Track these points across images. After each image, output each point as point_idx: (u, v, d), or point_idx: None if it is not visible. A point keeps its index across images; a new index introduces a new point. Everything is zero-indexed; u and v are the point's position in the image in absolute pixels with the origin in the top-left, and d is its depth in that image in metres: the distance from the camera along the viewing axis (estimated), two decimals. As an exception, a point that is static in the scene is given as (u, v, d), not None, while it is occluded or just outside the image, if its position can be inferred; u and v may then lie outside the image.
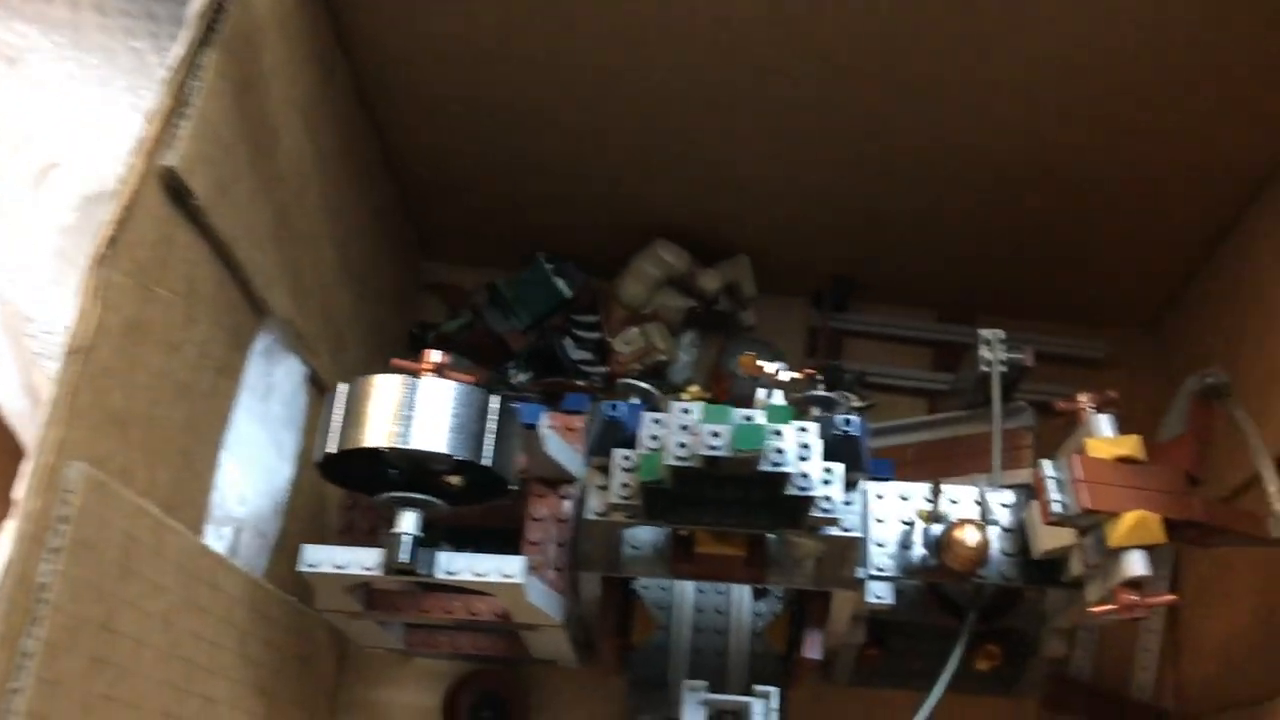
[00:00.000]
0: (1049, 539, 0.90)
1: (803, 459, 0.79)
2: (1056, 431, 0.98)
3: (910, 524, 0.96)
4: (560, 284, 1.33)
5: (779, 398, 0.88)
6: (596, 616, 1.04)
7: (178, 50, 0.79)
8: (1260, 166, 1.11)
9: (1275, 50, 0.99)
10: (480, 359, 1.33)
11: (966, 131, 1.11)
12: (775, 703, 1.00)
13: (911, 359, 1.38)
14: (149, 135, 0.76)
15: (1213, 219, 1.20)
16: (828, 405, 0.92)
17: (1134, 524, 0.83)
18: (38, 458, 0.69)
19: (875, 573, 0.96)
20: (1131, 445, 0.87)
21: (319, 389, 1.10)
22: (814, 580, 0.95)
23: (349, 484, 0.88)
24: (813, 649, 1.02)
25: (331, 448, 0.80)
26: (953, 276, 1.35)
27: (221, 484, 0.95)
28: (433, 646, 1.09)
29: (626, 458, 0.83)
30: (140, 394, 0.80)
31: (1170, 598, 0.84)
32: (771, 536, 0.91)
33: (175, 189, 0.80)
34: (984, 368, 1.08)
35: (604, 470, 0.86)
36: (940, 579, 0.97)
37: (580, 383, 1.29)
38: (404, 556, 0.81)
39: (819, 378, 1.28)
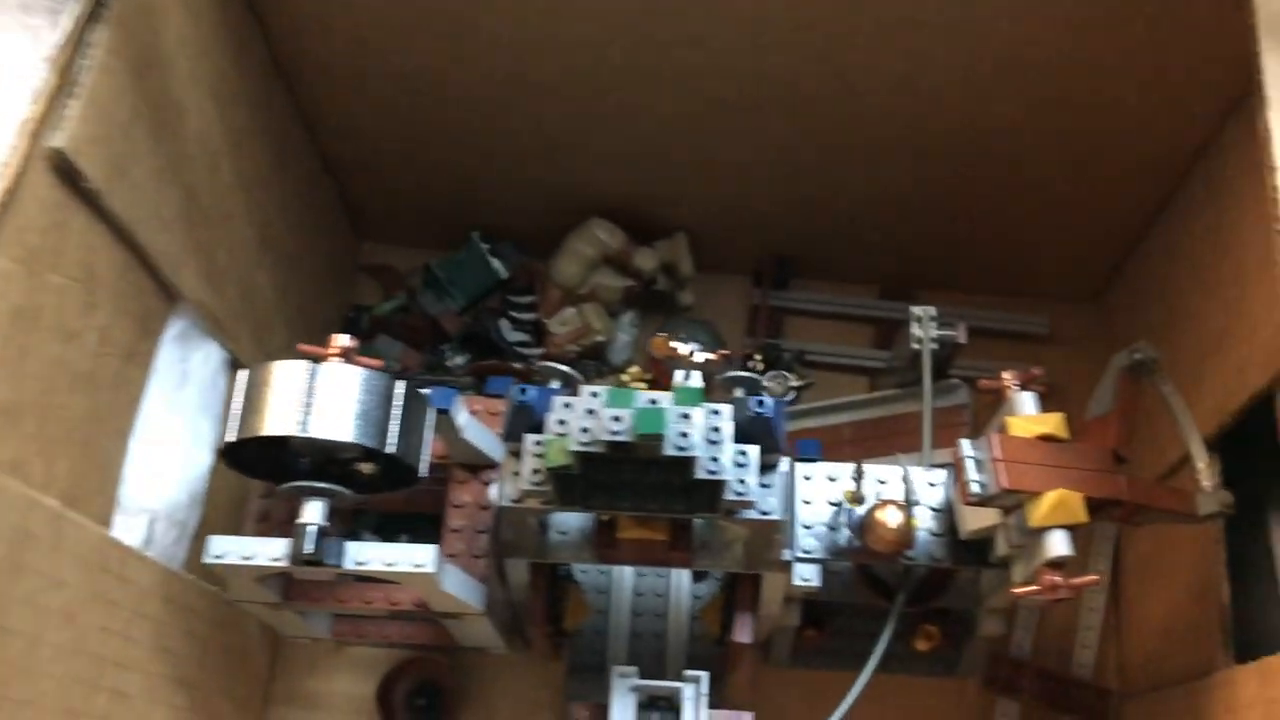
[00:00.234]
0: (975, 519, 0.89)
1: (713, 442, 0.77)
2: (994, 409, 0.97)
3: (837, 505, 0.94)
4: (496, 264, 1.31)
5: (696, 379, 0.86)
6: (526, 602, 1.02)
7: (64, 27, 0.76)
8: (1194, 140, 1.10)
9: (1206, 24, 0.97)
10: (416, 342, 1.31)
11: (898, 106, 1.10)
12: (705, 687, 1.00)
13: (853, 336, 1.37)
14: (32, 116, 0.73)
15: (1150, 193, 1.19)
16: (751, 386, 0.91)
17: (1054, 503, 0.82)
18: (-86, 451, 0.67)
19: (802, 555, 0.95)
20: (1054, 423, 0.86)
21: (241, 374, 1.08)
22: (742, 563, 0.94)
23: (256, 472, 0.86)
24: (743, 632, 1.01)
25: (230, 436, 0.78)
26: (893, 253, 1.33)
27: (132, 474, 0.92)
28: (361, 635, 1.07)
29: (537, 443, 0.81)
30: (31, 384, 0.77)
31: (1093, 578, 0.83)
32: (698, 520, 0.90)
33: (65, 171, 0.78)
34: (915, 345, 1.06)
35: (518, 455, 0.84)
36: (865, 560, 0.96)
37: (517, 365, 1.28)
38: (308, 548, 0.80)
39: (748, 362, 1.28)
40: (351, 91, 1.14)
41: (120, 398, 0.90)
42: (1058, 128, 1.11)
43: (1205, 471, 0.91)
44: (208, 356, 1.02)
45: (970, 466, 0.84)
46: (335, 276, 1.34)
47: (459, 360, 1.30)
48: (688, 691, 1.00)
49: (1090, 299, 1.38)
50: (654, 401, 0.75)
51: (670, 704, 1.03)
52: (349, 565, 0.82)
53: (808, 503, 0.96)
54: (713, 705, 1.00)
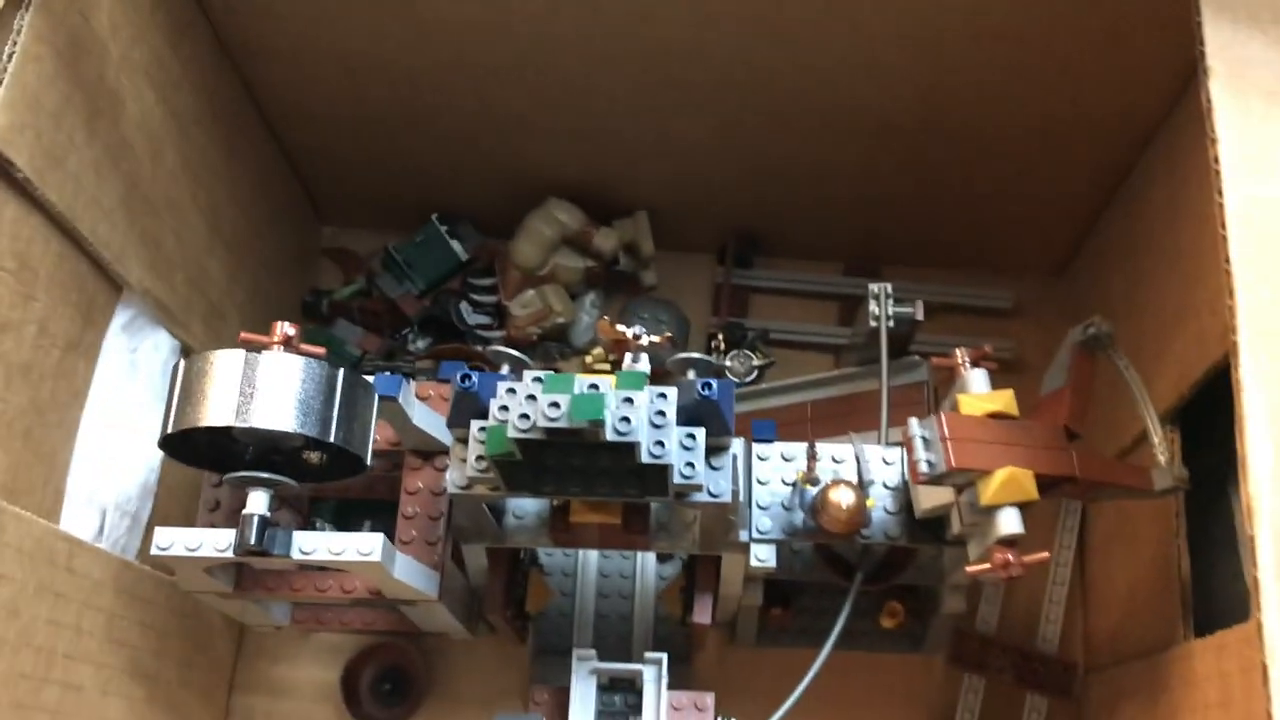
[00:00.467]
0: (929, 498, 0.89)
1: (657, 426, 0.76)
2: (947, 385, 0.96)
3: (793, 485, 0.94)
4: (455, 246, 1.30)
5: (644, 362, 0.85)
6: (484, 588, 1.02)
7: (-14, 15, 0.75)
8: (1151, 111, 1.09)
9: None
10: (376, 326, 1.30)
11: (851, 81, 1.08)
12: (665, 669, 0.99)
13: (818, 314, 1.36)
14: (-45, 106, 0.72)
15: (1110, 165, 1.18)
16: (702, 367, 0.90)
17: (1004, 481, 0.81)
18: None
19: (758, 536, 0.94)
20: (1003, 401, 0.85)
21: (195, 362, 1.07)
22: (700, 545, 0.93)
23: (201, 463, 0.85)
24: (702, 614, 1.01)
25: (169, 428, 0.77)
26: (857, 229, 1.32)
27: (80, 465, 0.91)
28: (321, 623, 1.06)
29: (482, 429, 0.80)
30: (-35, 377, 0.77)
31: (1043, 555, 0.82)
32: (655, 503, 0.89)
33: (-7, 162, 0.76)
34: (873, 322, 1.05)
35: (465, 442, 0.83)
36: (820, 540, 0.95)
37: (478, 348, 1.27)
38: (252, 539, 0.78)
39: (711, 342, 1.27)
40: (303, 76, 1.13)
41: (64, 388, 0.89)
42: (1015, 100, 1.10)
43: (1161, 446, 0.91)
44: (157, 345, 1.01)
45: (919, 445, 0.83)
46: (295, 261, 1.33)
47: (420, 344, 1.29)
48: (648, 673, 1.00)
49: (1055, 273, 1.37)
50: (594, 387, 0.74)
51: (632, 686, 1.03)
52: (295, 555, 0.81)
53: (763, 483, 0.95)
54: (675, 686, 1.00)
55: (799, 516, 0.93)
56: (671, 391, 0.79)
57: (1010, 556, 0.82)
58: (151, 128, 0.96)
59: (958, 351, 0.90)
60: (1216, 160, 0.71)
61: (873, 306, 1.06)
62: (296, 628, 1.06)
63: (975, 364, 0.89)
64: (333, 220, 1.40)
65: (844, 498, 0.88)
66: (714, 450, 0.83)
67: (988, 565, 0.83)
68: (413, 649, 1.18)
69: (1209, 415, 1.01)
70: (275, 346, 0.80)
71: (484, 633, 1.11)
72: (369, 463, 0.83)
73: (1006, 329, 1.34)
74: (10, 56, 0.76)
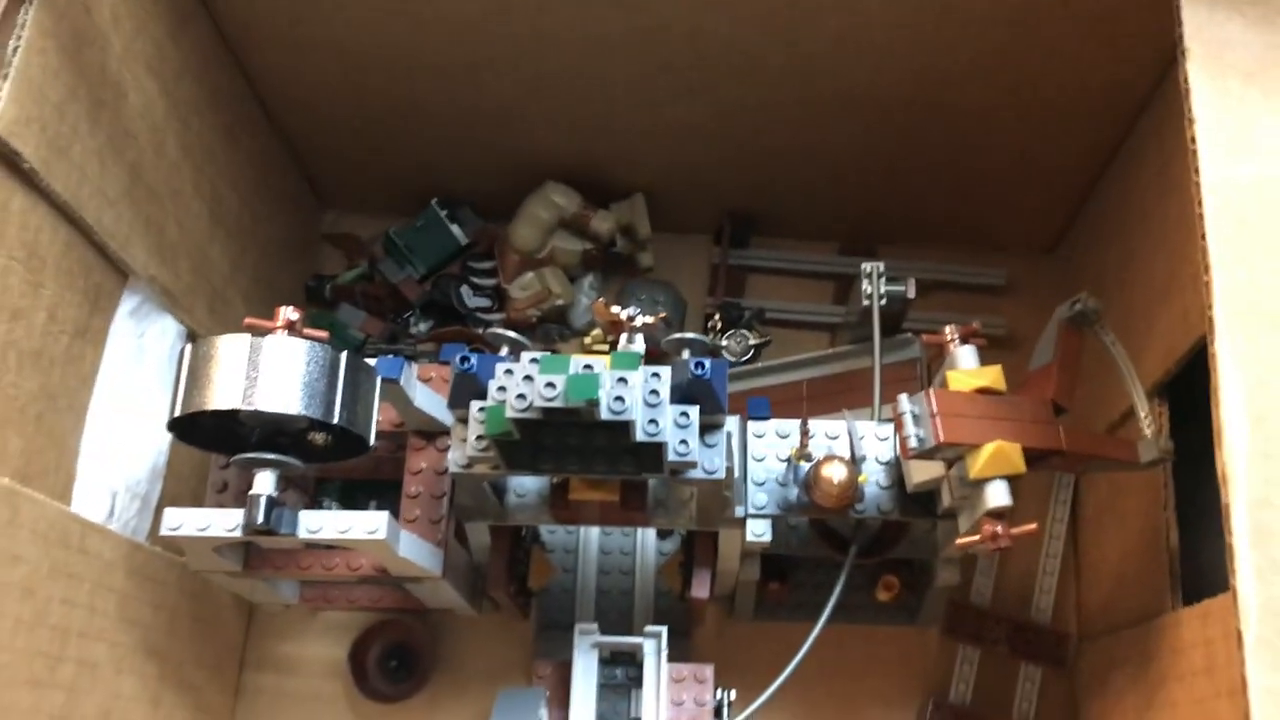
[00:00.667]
0: (920, 472, 0.91)
1: (651, 405, 0.78)
2: (937, 361, 0.98)
3: (787, 461, 0.96)
4: (455, 230, 1.31)
5: (639, 342, 0.87)
6: (488, 565, 1.04)
7: (-9, 9, 0.76)
8: (1141, 87, 1.10)
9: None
10: (378, 310, 1.32)
11: (844, 63, 1.09)
12: (665, 642, 1.02)
13: (814, 293, 1.37)
14: (-38, 99, 0.74)
15: (1102, 142, 1.19)
16: (696, 347, 0.92)
17: (992, 455, 0.83)
18: None
19: (754, 511, 0.96)
20: (991, 376, 0.87)
21: (200, 347, 1.09)
22: (697, 521, 0.95)
23: (209, 445, 0.87)
24: (700, 588, 1.03)
25: (176, 411, 0.79)
26: (851, 208, 1.34)
27: (90, 449, 0.93)
28: (329, 601, 1.09)
29: (480, 409, 0.82)
30: (-22, 364, 0.79)
31: (1031, 527, 0.84)
32: (653, 480, 0.91)
33: (1, 153, 0.78)
34: (865, 301, 1.07)
35: (465, 422, 0.85)
36: (814, 515, 0.97)
37: (479, 331, 1.28)
38: (260, 518, 0.81)
39: (708, 322, 1.29)
40: (302, 65, 1.14)
41: (73, 374, 0.91)
42: (1006, 79, 1.11)
43: (1147, 419, 0.93)
44: (164, 331, 1.03)
45: (909, 421, 0.85)
46: (297, 247, 1.34)
47: (421, 327, 1.31)
48: (649, 646, 1.02)
49: (1047, 250, 1.38)
50: (589, 367, 0.76)
51: (633, 659, 1.05)
52: (302, 534, 0.83)
53: (759, 460, 0.97)
54: (675, 659, 1.02)
55: (794, 492, 0.95)
56: (665, 371, 0.81)
57: (999, 529, 0.84)
58: (153, 117, 0.98)
59: (947, 329, 0.91)
60: (1194, 140, 0.73)
61: (865, 285, 1.08)
62: (305, 606, 1.09)
63: (964, 340, 0.91)
64: (333, 206, 1.41)
65: (836, 473, 0.90)
66: (708, 428, 0.85)
67: (977, 537, 0.85)
68: (419, 626, 1.21)
69: (1195, 389, 1.02)
70: (279, 331, 0.82)
71: (488, 610, 1.13)
72: (372, 443, 0.85)
73: (999, 306, 1.35)
74: (15, 50, 0.78)
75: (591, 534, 1.20)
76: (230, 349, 0.79)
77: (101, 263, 0.93)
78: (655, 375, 0.80)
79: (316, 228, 1.40)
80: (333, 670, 1.22)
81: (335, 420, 0.80)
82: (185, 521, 0.84)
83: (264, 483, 0.82)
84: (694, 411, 0.82)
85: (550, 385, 0.74)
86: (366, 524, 0.85)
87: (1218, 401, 0.70)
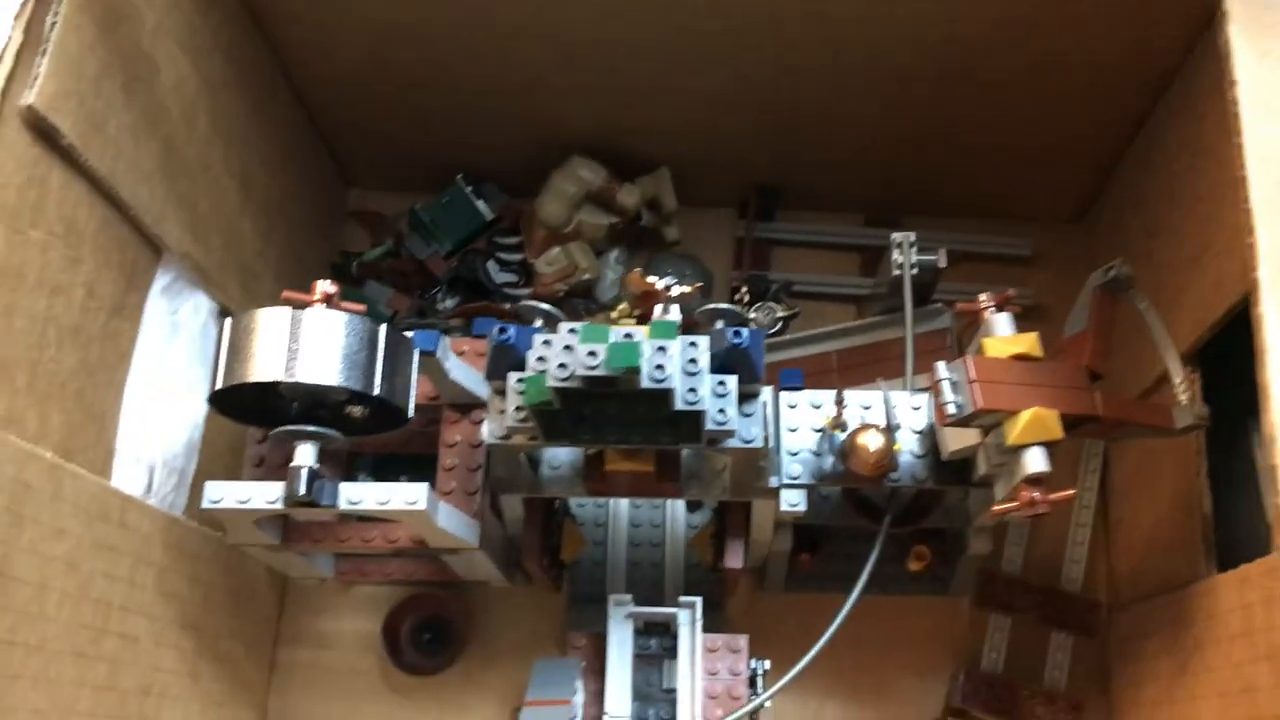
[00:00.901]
0: (956, 440, 0.91)
1: (690, 373, 0.78)
2: (971, 329, 0.98)
3: (821, 431, 0.96)
4: (481, 206, 1.32)
5: (675, 312, 0.87)
6: (521, 537, 1.04)
7: (28, -17, 0.76)
8: (1169, 54, 1.09)
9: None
10: (405, 286, 1.32)
11: (871, 32, 1.09)
12: (699, 612, 1.02)
13: (839, 265, 1.37)
14: (1, 74, 0.74)
15: (1128, 110, 1.19)
16: (730, 317, 0.92)
17: (1030, 421, 0.83)
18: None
19: (789, 481, 0.96)
20: (1028, 343, 0.87)
21: (232, 323, 1.09)
22: (731, 491, 0.96)
23: (247, 418, 0.87)
24: (734, 559, 1.03)
25: (218, 384, 0.79)
26: (877, 180, 1.33)
27: (128, 424, 0.94)
28: (363, 574, 1.10)
29: (519, 380, 0.82)
30: (20, 339, 0.79)
31: (1069, 493, 0.85)
32: (686, 451, 0.91)
33: (40, 129, 0.78)
34: (896, 271, 1.07)
35: (503, 394, 0.85)
36: (849, 484, 0.97)
37: (505, 306, 1.29)
38: (301, 490, 0.81)
39: (735, 295, 1.29)
40: (327, 40, 1.14)
41: (110, 350, 0.91)
42: (1034, 45, 1.10)
43: (1181, 385, 0.93)
44: (197, 307, 1.04)
45: (946, 388, 0.85)
46: (323, 223, 1.35)
47: (448, 303, 1.31)
48: (683, 616, 1.03)
49: (1073, 219, 1.38)
50: (629, 336, 0.76)
51: (666, 629, 1.06)
52: (343, 505, 0.84)
53: (793, 430, 0.97)
54: (708, 630, 1.03)
55: (828, 461, 0.96)
56: (703, 339, 0.81)
57: (1036, 495, 0.84)
58: (185, 93, 0.98)
59: (982, 296, 0.91)
60: (1235, 103, 0.73)
61: (896, 255, 1.07)
62: (340, 579, 1.10)
63: (999, 308, 0.90)
64: (358, 183, 1.42)
65: (872, 441, 0.90)
66: (745, 397, 0.85)
67: (1015, 504, 0.85)
68: (452, 598, 1.21)
69: (1227, 355, 1.02)
70: (317, 304, 0.82)
71: (521, 583, 1.14)
72: (410, 415, 0.85)
73: (1026, 276, 1.35)
74: (53, 25, 0.78)
75: (621, 506, 1.21)
76: (271, 322, 0.79)
77: (136, 239, 0.93)
78: (693, 344, 0.80)
79: (342, 205, 1.41)
80: (366, 644, 1.23)
81: (376, 392, 0.80)
82: (226, 494, 0.85)
83: (305, 454, 0.82)
84: (731, 381, 0.82)
85: (592, 354, 0.74)
86: (406, 495, 0.85)
87: (1263, 363, 0.70)
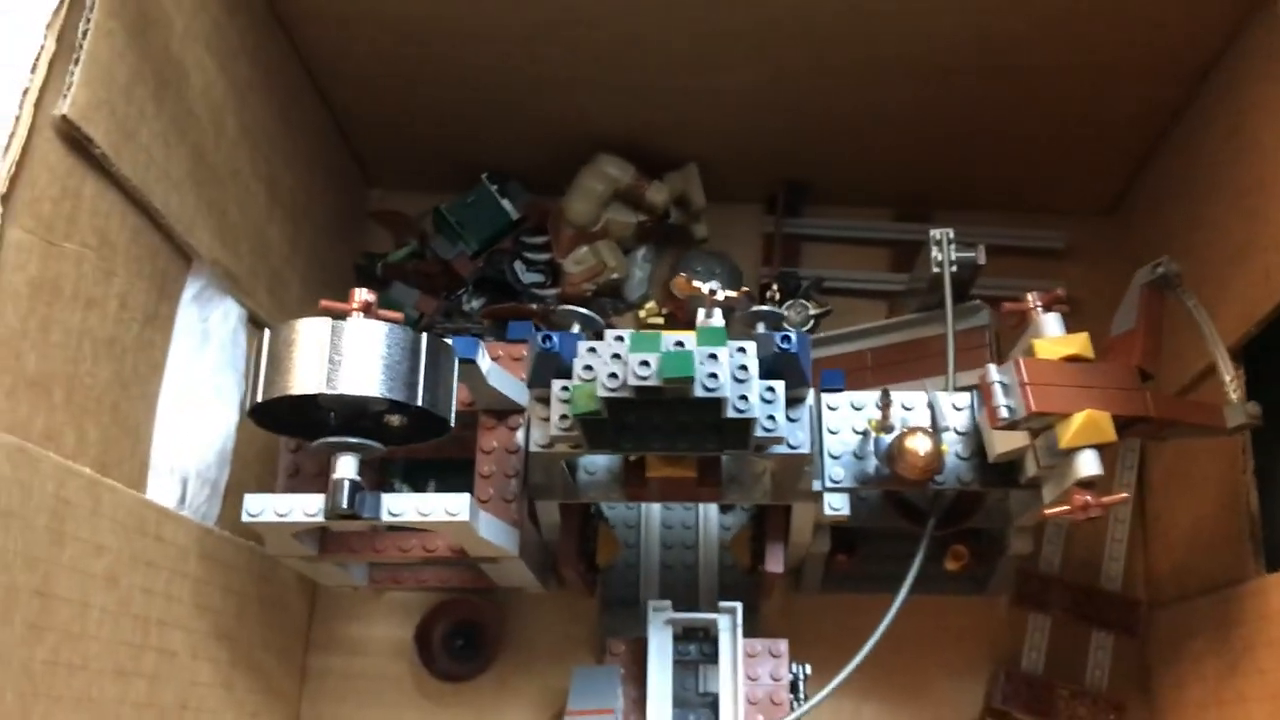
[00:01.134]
0: (1003, 442, 0.89)
1: (739, 380, 0.77)
2: (1014, 334, 0.96)
3: (864, 433, 0.95)
4: (506, 205, 1.30)
5: (718, 317, 0.86)
6: (558, 542, 1.03)
7: (60, -9, 0.75)
8: (1211, 42, 1.07)
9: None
10: (431, 287, 1.31)
11: (904, 25, 1.07)
12: (740, 617, 1.01)
13: (869, 261, 1.36)
14: (35, 85, 0.72)
15: (1165, 102, 1.17)
16: (773, 320, 0.90)
17: (1083, 424, 0.82)
18: (-52, 430, 0.68)
19: (831, 484, 0.95)
20: (1079, 344, 0.86)
21: (260, 329, 1.07)
22: (771, 495, 0.94)
23: (286, 430, 0.86)
24: (775, 563, 1.02)
25: (259, 397, 0.78)
26: (906, 173, 1.32)
27: (161, 436, 0.93)
28: (397, 582, 1.08)
29: (564, 389, 0.81)
30: (57, 353, 0.78)
31: (1122, 496, 0.83)
32: (726, 455, 0.90)
33: (73, 139, 0.77)
34: (935, 269, 1.05)
35: (545, 401, 0.84)
36: (895, 488, 0.96)
37: (533, 306, 1.27)
38: (343, 503, 0.80)
39: (765, 293, 1.27)
40: (351, 38, 1.12)
41: (144, 361, 0.90)
42: (1069, 35, 1.08)
43: (1232, 384, 0.91)
44: (226, 314, 1.02)
45: (998, 391, 0.84)
46: (346, 225, 1.33)
47: (475, 304, 1.30)
48: (723, 622, 1.01)
49: (1107, 211, 1.36)
50: (680, 344, 0.75)
51: (706, 634, 1.04)
52: (385, 518, 0.83)
53: (834, 432, 0.96)
54: (746, 634, 1.02)
55: (871, 464, 0.94)
56: (751, 345, 0.79)
57: (1089, 498, 0.83)
58: (213, 97, 0.96)
59: (1029, 296, 0.90)
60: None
61: (935, 253, 1.05)
62: (373, 587, 1.08)
63: (1048, 308, 0.89)
64: (379, 183, 1.40)
65: (921, 445, 0.88)
66: (791, 402, 0.84)
67: (1066, 507, 0.84)
68: (484, 604, 1.20)
69: (1271, 350, 1.01)
70: (356, 313, 0.81)
71: (554, 587, 1.13)
72: (452, 425, 0.84)
73: (1059, 270, 1.33)
74: (85, 33, 0.76)
75: (653, 509, 1.19)
76: (311, 333, 0.78)
77: (168, 248, 0.92)
78: (741, 350, 0.78)
79: (364, 206, 1.39)
80: (398, 650, 1.22)
81: (419, 402, 0.79)
82: (266, 507, 0.84)
83: (346, 466, 0.81)
84: (779, 386, 0.81)
85: (645, 364, 0.73)
86: (448, 506, 0.84)
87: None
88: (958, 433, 0.95)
